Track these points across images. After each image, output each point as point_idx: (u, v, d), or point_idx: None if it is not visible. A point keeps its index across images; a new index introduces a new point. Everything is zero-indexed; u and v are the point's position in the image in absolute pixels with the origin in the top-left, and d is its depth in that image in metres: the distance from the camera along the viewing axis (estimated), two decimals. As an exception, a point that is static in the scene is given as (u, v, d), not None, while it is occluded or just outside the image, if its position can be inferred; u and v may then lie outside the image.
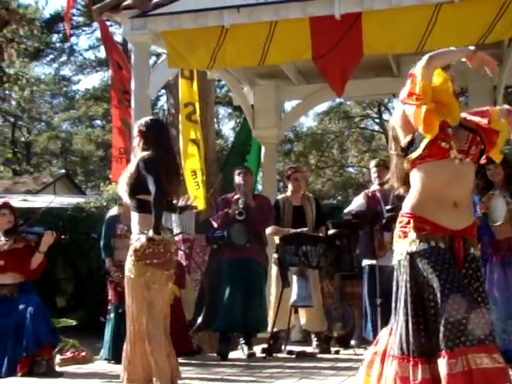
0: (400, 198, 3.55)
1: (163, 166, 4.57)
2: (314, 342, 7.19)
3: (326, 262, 7.13)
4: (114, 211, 7.13)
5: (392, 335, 3.25)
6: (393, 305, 3.29)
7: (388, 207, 6.65)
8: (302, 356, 6.90)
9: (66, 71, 30.97)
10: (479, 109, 3.45)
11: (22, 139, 32.93)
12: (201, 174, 8.52)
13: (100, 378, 5.72)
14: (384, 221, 6.65)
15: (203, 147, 8.89)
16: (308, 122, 30.82)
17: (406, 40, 6.56)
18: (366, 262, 6.98)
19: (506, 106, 3.43)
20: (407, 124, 3.24)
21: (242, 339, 7.06)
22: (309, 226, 7.13)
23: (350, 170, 31.40)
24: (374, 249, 6.79)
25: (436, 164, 3.19)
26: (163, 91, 17.69)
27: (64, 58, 29.49)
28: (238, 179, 7.02)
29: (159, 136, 4.74)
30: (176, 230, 8.13)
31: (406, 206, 3.28)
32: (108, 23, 9.76)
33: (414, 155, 3.21)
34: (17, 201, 13.56)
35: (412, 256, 3.19)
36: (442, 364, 3.01)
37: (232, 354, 7.03)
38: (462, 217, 3.23)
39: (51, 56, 29.27)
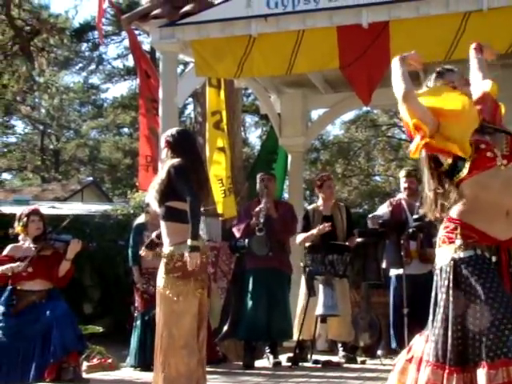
0: None
1: (194, 173, 4.58)
2: (340, 352, 7.16)
3: (352, 270, 7.10)
4: (141, 219, 7.17)
5: (428, 341, 3.20)
6: (431, 310, 3.22)
7: (415, 216, 6.61)
8: (327, 365, 6.87)
9: (95, 80, 31.34)
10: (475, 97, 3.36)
11: (51, 147, 33.27)
12: (228, 182, 8.53)
13: (126, 385, 5.75)
14: (411, 230, 6.61)
15: (230, 155, 8.91)
16: (335, 130, 30.72)
17: (434, 49, 6.52)
18: (393, 272, 6.94)
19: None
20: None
21: (267, 348, 7.05)
22: (339, 236, 7.10)
23: (377, 178, 31.30)
24: (400, 258, 6.74)
25: (485, 175, 3.12)
26: (190, 100, 17.77)
27: (93, 66, 29.86)
28: (260, 185, 7.03)
29: (187, 144, 4.74)
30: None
31: (454, 212, 3.21)
32: (136, 32, 9.87)
33: (462, 175, 3.15)
34: (45, 208, 13.69)
35: (456, 262, 3.12)
36: (481, 374, 2.93)
37: (258, 363, 7.02)
38: (511, 226, 3.15)
39: (80, 65, 29.66)
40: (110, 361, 7.40)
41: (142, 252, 5.03)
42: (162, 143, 4.79)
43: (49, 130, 32.57)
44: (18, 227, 6.29)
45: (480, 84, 3.39)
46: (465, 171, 3.14)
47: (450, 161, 3.18)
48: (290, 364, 6.82)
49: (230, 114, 10.15)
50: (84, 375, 6.32)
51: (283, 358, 7.05)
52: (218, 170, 8.55)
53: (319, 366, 6.90)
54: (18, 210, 6.44)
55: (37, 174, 32.64)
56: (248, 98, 24.62)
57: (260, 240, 6.75)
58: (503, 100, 3.37)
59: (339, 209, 7.33)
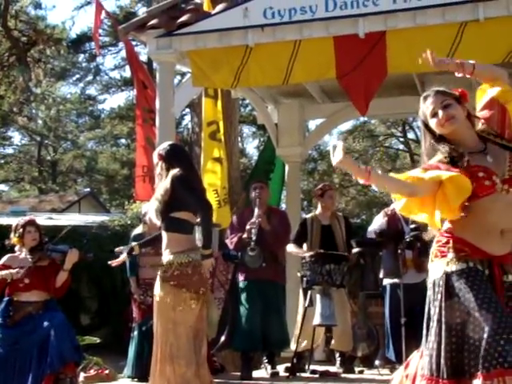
0: None
1: (196, 182, 4.62)
2: (338, 362, 7.14)
3: (349, 280, 7.09)
4: (138, 230, 7.16)
5: (423, 357, 3.18)
6: (424, 325, 3.23)
7: (412, 226, 6.61)
8: (325, 376, 6.84)
9: (92, 90, 31.39)
10: (483, 102, 3.36)
11: (48, 158, 33.30)
12: (223, 193, 8.51)
13: (123, 396, 5.72)
14: (408, 239, 6.61)
15: (227, 166, 8.90)
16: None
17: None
18: (387, 281, 6.92)
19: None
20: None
21: (265, 358, 7.03)
22: (338, 245, 7.10)
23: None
24: (398, 267, 6.73)
25: (486, 200, 3.14)
26: (187, 110, 17.80)
27: (90, 77, 29.87)
28: (253, 194, 7.03)
29: (181, 155, 4.79)
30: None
31: (447, 226, 3.23)
32: (133, 43, 9.87)
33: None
34: (42, 219, 13.67)
35: (448, 275, 3.13)
36: None
37: (255, 373, 6.99)
38: (505, 244, 3.16)
39: (77, 76, 29.69)
40: (107, 372, 7.38)
41: (113, 262, 5.15)
42: (155, 158, 4.79)
43: (46, 141, 32.62)
44: (13, 238, 6.28)
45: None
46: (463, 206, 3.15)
47: None
48: (287, 374, 6.80)
49: (228, 125, 10.15)
50: (81, 386, 6.30)
51: (281, 368, 7.03)
52: (212, 179, 8.52)
53: (317, 376, 6.87)
54: (15, 222, 6.43)
55: (34, 185, 32.64)
56: (245, 108, 24.66)
57: (253, 254, 6.75)
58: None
59: (337, 218, 7.33)
